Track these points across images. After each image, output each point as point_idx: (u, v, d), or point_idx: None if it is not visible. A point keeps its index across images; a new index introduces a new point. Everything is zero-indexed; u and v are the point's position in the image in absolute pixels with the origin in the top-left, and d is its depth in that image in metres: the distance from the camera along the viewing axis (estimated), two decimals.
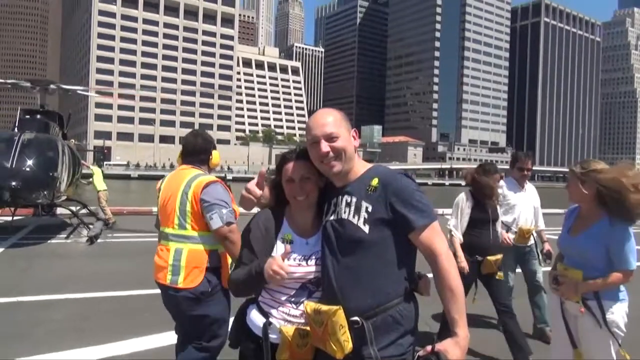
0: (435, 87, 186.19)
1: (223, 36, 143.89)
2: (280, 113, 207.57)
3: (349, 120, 1.78)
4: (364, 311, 1.65)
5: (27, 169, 9.22)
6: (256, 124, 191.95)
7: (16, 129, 10.41)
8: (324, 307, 1.66)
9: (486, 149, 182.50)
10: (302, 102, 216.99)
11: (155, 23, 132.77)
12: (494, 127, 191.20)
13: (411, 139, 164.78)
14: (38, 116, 11.09)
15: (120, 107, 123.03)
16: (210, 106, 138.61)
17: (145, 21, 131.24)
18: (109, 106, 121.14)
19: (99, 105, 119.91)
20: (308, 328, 1.74)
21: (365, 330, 1.62)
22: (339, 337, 1.61)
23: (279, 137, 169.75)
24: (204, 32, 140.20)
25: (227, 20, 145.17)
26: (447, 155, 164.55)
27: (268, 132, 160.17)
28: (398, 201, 1.68)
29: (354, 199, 1.74)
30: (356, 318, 1.64)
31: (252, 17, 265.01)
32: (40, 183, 9.38)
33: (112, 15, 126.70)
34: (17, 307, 5.36)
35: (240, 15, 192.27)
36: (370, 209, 1.70)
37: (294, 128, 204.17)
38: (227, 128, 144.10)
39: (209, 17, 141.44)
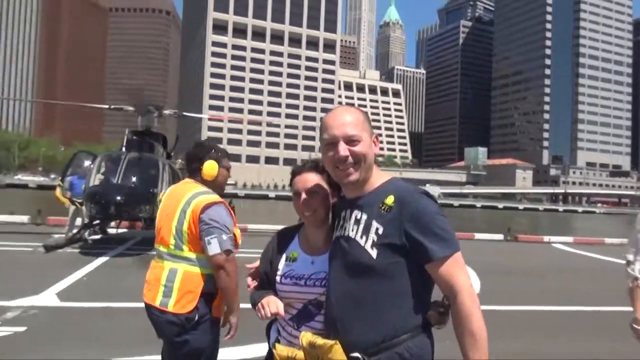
0: (546, 107, 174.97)
1: (325, 61, 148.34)
2: (381, 135, 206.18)
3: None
4: (366, 346, 1.45)
5: (131, 185, 10.01)
6: None
7: (123, 149, 11.37)
8: (320, 341, 1.51)
9: (607, 172, 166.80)
10: (403, 124, 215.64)
11: (262, 51, 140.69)
12: (616, 149, 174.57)
13: (519, 161, 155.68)
14: (144, 137, 12.06)
15: (230, 130, 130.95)
16: (312, 129, 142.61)
17: (253, 50, 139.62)
18: (219, 129, 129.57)
19: (211, 128, 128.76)
20: (300, 351, 1.60)
21: None
22: None
23: (380, 159, 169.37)
24: (307, 58, 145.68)
25: (329, 46, 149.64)
26: (560, 179, 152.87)
27: None
28: (415, 227, 1.45)
29: (364, 216, 1.53)
30: (357, 354, 1.44)
31: (354, 42, 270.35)
32: (142, 198, 10.11)
33: (224, 45, 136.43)
34: (105, 312, 5.69)
35: (341, 40, 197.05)
36: (380, 231, 1.48)
37: (394, 150, 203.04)
38: None
39: (312, 43, 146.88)
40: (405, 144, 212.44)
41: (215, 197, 2.57)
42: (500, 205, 77.65)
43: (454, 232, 1.49)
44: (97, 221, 10.59)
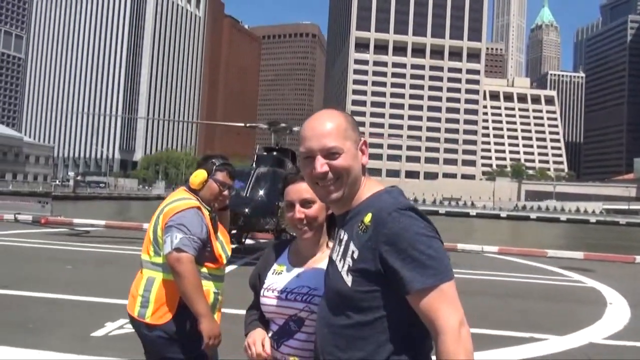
0: None
1: (469, 71, 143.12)
2: (531, 146, 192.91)
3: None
4: None
5: (258, 199, 10.66)
6: (504, 159, 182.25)
7: (254, 164, 12.19)
8: None
9: None
10: (557, 133, 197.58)
11: (403, 65, 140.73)
12: None
13: None
14: (273, 153, 12.78)
15: (371, 145, 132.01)
16: (455, 141, 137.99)
17: (394, 64, 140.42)
18: None
19: None
20: None
21: None
22: None
23: (530, 171, 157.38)
24: (450, 69, 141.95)
25: (473, 55, 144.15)
26: None
27: (517, 166, 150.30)
28: (391, 251, 1.22)
29: (345, 237, 1.35)
30: None
31: (501, 49, 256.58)
32: (267, 211, 10.72)
33: (366, 62, 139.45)
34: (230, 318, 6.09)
35: (487, 48, 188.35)
36: (355, 255, 1.29)
37: (547, 162, 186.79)
38: (472, 163, 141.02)
39: (455, 54, 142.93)
40: (560, 155, 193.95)
41: (190, 204, 2.41)
42: None
43: (446, 256, 1.24)
44: (233, 231, 11.45)
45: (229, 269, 9.76)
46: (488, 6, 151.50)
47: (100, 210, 36.47)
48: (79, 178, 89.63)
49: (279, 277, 1.67)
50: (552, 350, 5.24)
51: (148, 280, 2.39)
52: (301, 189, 1.61)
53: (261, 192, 10.82)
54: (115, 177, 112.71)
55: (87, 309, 6.12)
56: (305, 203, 1.62)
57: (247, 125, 13.81)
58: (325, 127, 1.34)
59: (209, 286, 2.40)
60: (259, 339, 1.59)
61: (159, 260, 2.39)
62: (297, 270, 1.66)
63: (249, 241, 14.04)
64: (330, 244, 1.64)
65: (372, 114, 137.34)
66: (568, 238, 34.30)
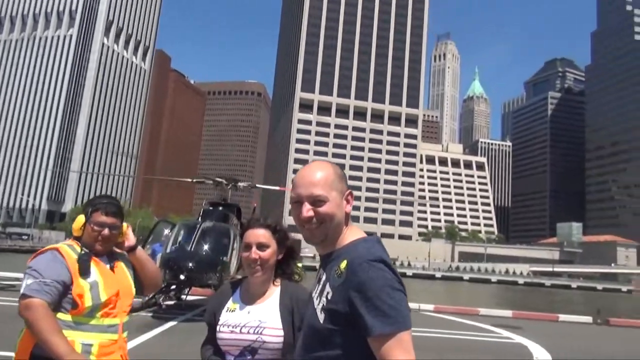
0: None
1: (407, 135, 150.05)
2: (464, 209, 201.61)
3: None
4: None
5: (202, 253, 10.63)
6: (439, 220, 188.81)
7: (199, 218, 12.19)
8: None
9: None
10: (487, 197, 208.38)
11: (345, 127, 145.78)
12: None
13: (620, 238, 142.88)
14: (219, 208, 12.87)
15: None
16: (393, 202, 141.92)
17: (337, 126, 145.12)
18: None
19: None
20: None
21: None
22: None
23: (463, 233, 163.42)
24: (389, 133, 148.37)
25: (411, 121, 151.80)
26: None
27: (451, 228, 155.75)
28: (359, 297, 1.35)
29: (324, 277, 1.51)
30: None
31: (436, 117, 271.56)
32: (212, 265, 10.66)
33: (309, 122, 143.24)
34: None
35: (424, 115, 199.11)
36: (329, 296, 1.43)
37: (479, 224, 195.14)
38: (409, 224, 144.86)
39: (394, 119, 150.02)
40: (490, 219, 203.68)
41: (51, 246, 2.32)
42: (600, 287, 70.60)
43: (406, 308, 1.38)
44: (173, 286, 11.20)
45: (170, 324, 9.58)
46: (425, 76, 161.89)
47: (23, 263, 34.20)
48: None
49: (233, 314, 1.89)
50: None
51: (22, 329, 2.22)
52: (259, 234, 1.90)
53: (206, 247, 10.79)
54: (41, 229, 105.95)
55: None
56: (261, 246, 1.89)
57: (194, 180, 13.89)
58: (314, 177, 1.51)
59: (73, 336, 2.15)
60: None
61: None
62: (248, 308, 1.90)
63: (190, 297, 13.76)
64: (277, 284, 1.97)
65: None
66: (498, 297, 35.74)
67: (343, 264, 1.43)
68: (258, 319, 1.85)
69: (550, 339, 10.90)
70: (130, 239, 2.47)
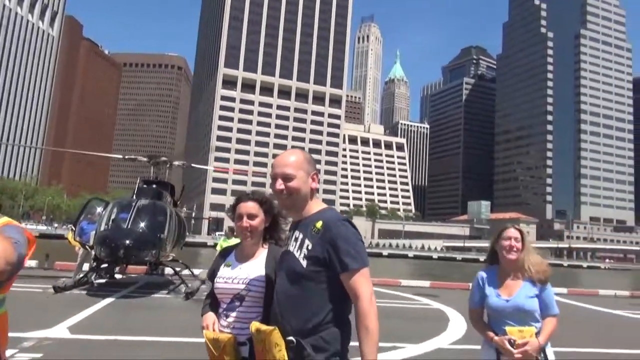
0: (549, 162, 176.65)
1: (331, 115, 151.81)
2: (384, 188, 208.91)
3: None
4: (298, 333, 1.85)
5: (139, 231, 10.65)
6: (360, 199, 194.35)
7: (134, 196, 12.11)
8: (263, 327, 1.91)
9: (611, 227, 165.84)
10: (406, 177, 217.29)
11: (269, 105, 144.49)
12: (620, 204, 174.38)
13: (523, 215, 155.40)
14: (153, 186, 12.80)
15: (235, 182, 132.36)
16: None
17: (261, 104, 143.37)
18: (224, 181, 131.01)
19: (215, 180, 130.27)
20: (223, 336, 2.13)
21: (303, 346, 1.82)
22: (275, 354, 1.83)
23: (383, 211, 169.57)
24: (313, 112, 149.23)
25: (335, 101, 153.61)
26: (564, 233, 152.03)
27: (372, 206, 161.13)
28: (335, 246, 1.86)
29: (301, 236, 1.97)
30: (291, 338, 1.84)
31: (359, 98, 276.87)
32: (149, 243, 10.70)
33: (233, 99, 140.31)
34: (114, 344, 6.22)
35: (347, 96, 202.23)
36: (310, 247, 1.91)
37: (397, 203, 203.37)
38: (331, 202, 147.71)
39: (318, 98, 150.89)
40: (408, 197, 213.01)
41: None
42: None
43: (365, 252, 1.93)
44: (105, 264, 11.12)
45: (108, 300, 9.64)
46: (349, 57, 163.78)
47: None
48: None
49: (228, 269, 2.32)
50: (410, 354, 6.43)
51: None
52: (249, 206, 2.34)
53: (142, 225, 10.81)
54: None
55: None
56: (251, 216, 2.32)
57: (127, 157, 13.63)
58: (287, 160, 2.02)
59: None
60: (211, 321, 2.22)
61: None
62: (240, 265, 2.32)
63: (117, 275, 13.67)
64: (265, 246, 2.41)
65: (237, 151, 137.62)
66: (416, 270, 38.12)
67: (319, 224, 1.93)
68: (247, 272, 2.26)
69: (463, 304, 12.14)
70: None
